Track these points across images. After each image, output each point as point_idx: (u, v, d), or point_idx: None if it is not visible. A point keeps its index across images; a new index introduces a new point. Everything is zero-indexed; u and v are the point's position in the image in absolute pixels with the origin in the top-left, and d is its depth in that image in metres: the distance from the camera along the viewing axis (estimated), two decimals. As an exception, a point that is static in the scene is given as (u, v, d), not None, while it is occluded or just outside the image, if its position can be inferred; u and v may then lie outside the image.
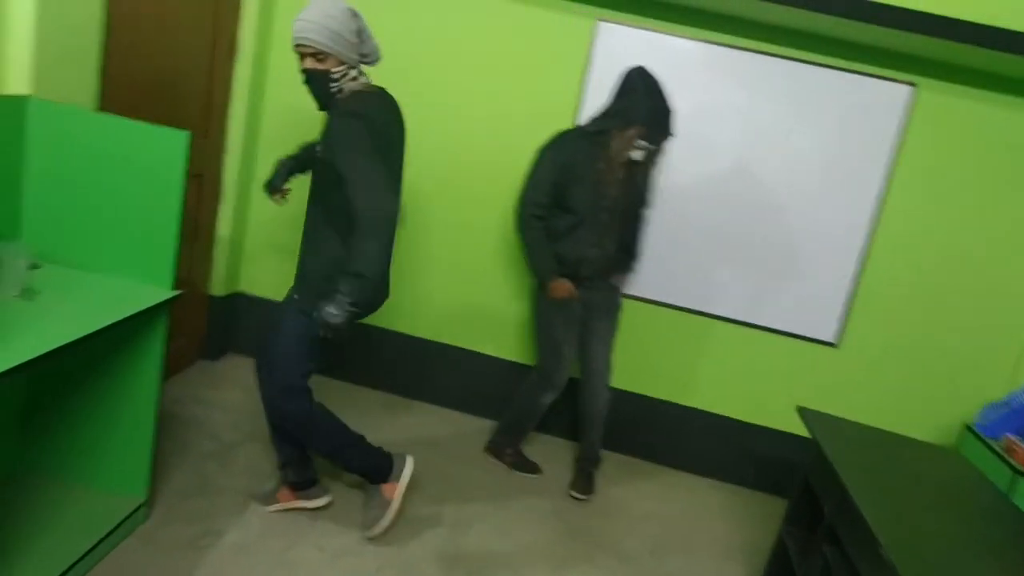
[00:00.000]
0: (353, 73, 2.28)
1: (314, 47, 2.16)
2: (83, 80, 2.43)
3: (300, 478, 2.68)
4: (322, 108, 2.31)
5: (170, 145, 2.13)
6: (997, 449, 2.85)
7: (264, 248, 3.87)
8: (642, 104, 2.90)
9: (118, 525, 2.30)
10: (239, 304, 3.93)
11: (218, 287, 3.76)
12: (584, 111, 3.49)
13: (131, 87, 2.75)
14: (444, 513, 2.95)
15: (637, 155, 2.96)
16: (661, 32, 3.40)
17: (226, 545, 2.47)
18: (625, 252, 3.25)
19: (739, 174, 3.49)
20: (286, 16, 3.59)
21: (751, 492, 3.76)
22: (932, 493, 2.26)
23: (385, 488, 2.64)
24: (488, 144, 3.62)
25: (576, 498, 3.28)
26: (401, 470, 2.66)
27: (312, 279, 2.35)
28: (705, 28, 3.37)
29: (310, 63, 2.20)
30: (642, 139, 2.92)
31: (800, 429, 3.61)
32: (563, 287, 3.09)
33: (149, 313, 2.12)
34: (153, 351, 2.29)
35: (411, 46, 3.56)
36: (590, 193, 3.03)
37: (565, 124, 3.50)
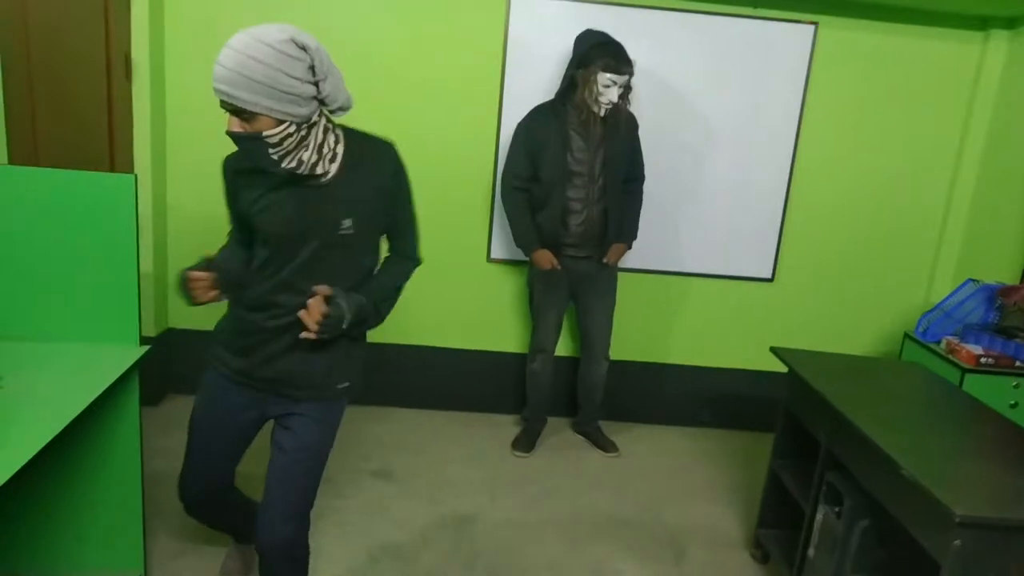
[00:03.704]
0: (304, 131, 1.61)
1: (234, 104, 1.53)
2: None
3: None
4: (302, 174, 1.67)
5: (116, 191, 1.95)
6: (939, 351, 3.10)
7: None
8: (591, 43, 3.00)
9: (124, 604, 2.15)
10: (172, 341, 3.68)
11: (148, 327, 3.48)
12: (507, 87, 3.46)
13: (34, 130, 2.48)
14: (445, 504, 2.94)
15: (612, 94, 2.99)
16: (571, 0, 3.39)
17: (240, 597, 2.35)
18: (612, 224, 3.23)
19: (665, 133, 3.56)
20: (177, 24, 3.33)
21: (717, 431, 3.93)
22: (912, 404, 2.45)
23: None
24: (414, 132, 3.52)
25: (610, 456, 3.53)
26: None
27: (354, 362, 1.93)
28: (614, -9, 3.40)
29: (234, 124, 1.57)
30: (607, 72, 2.96)
31: (753, 365, 3.82)
32: (543, 257, 3.20)
33: (122, 377, 1.95)
34: (129, 414, 2.13)
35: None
36: (559, 158, 3.08)
37: (492, 104, 3.48)
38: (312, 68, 1.56)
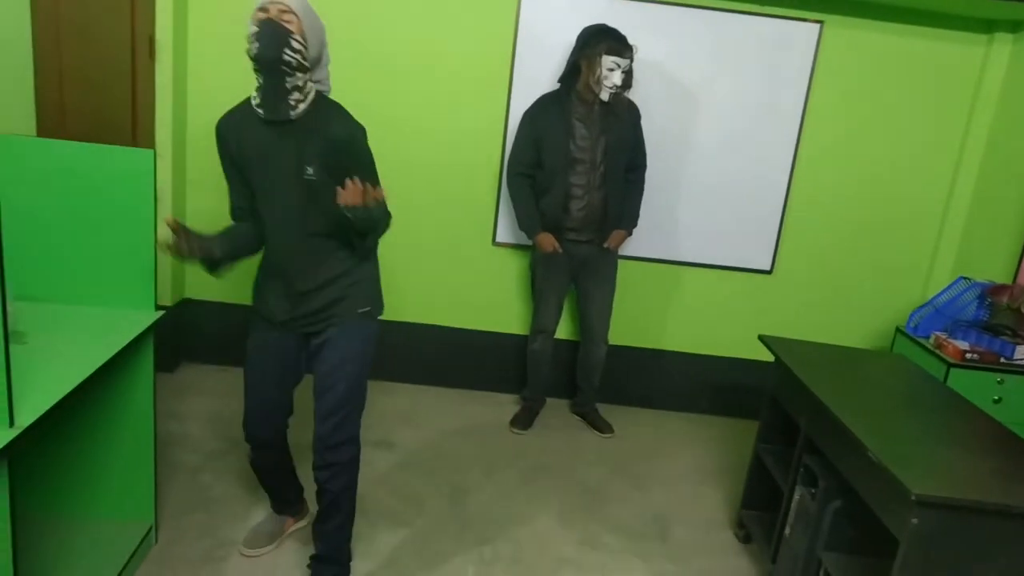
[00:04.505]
0: (312, 88, 1.97)
1: (287, 4, 1.86)
2: (22, 107, 2.31)
3: (301, 503, 2.64)
4: (274, 110, 1.93)
5: (136, 165, 2.07)
6: (928, 346, 3.18)
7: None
8: (592, 31, 3.14)
9: (134, 551, 2.29)
10: (188, 311, 3.83)
11: (164, 297, 3.65)
12: (517, 76, 3.56)
13: (62, 105, 2.62)
14: (441, 475, 3.07)
15: (615, 78, 3.10)
16: (581, -8, 3.48)
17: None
18: (613, 209, 3.34)
19: (670, 125, 3.65)
20: (201, 8, 3.44)
21: (710, 418, 4.03)
22: (891, 394, 2.53)
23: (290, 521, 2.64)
24: (425, 119, 3.63)
25: (606, 437, 3.64)
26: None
27: (365, 286, 2.20)
28: (623, -16, 3.48)
29: (276, 13, 1.84)
30: (610, 55, 3.07)
31: (748, 354, 3.91)
32: (546, 240, 3.33)
33: (137, 339, 2.09)
34: (144, 375, 2.26)
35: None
36: (563, 146, 3.20)
37: (501, 93, 3.58)
38: (324, 44, 1.99)
